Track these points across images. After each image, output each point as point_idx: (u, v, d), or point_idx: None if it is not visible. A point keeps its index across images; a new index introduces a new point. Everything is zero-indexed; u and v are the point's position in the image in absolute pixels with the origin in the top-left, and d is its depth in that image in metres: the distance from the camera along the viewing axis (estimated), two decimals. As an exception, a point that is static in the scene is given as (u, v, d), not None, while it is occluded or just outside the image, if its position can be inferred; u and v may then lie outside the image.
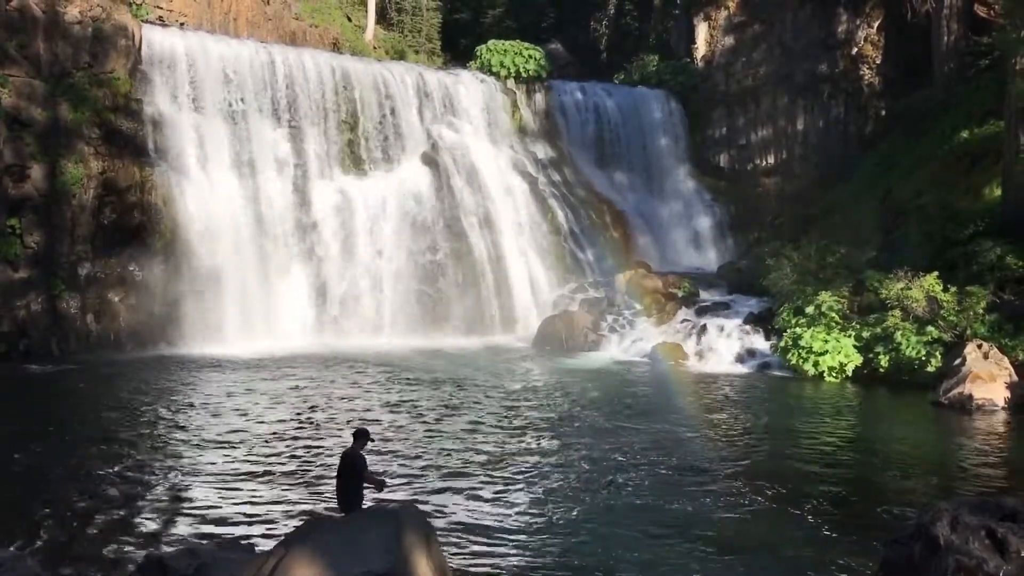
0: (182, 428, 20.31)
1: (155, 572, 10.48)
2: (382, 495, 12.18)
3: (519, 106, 45.74)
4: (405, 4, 62.73)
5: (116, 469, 16.89)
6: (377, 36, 58.49)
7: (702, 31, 50.22)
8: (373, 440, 11.20)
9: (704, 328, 32.72)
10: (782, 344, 29.55)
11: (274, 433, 19.86)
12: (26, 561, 10.19)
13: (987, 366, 24.04)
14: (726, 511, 15.07)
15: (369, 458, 10.98)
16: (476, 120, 43.36)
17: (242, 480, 16.29)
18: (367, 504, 11.20)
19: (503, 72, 45.77)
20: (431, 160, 40.31)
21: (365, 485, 10.98)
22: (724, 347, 31.67)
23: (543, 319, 36.06)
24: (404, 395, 24.66)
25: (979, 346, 24.66)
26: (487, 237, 39.19)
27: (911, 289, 27.26)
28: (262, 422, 20.90)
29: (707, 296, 37.06)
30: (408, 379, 27.11)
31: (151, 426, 20.46)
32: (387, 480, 12.37)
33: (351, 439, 11.22)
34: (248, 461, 17.54)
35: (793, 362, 28.79)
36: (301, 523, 12.63)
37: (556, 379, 27.83)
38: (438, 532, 11.56)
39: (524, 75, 46.11)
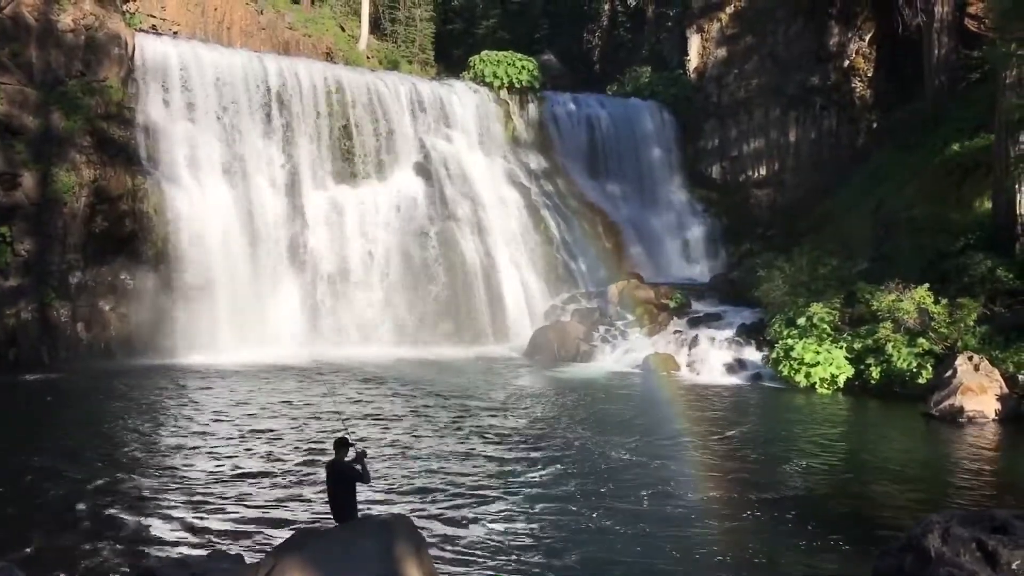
0: (172, 438, 20.23)
1: (144, 583, 10.43)
2: (373, 504, 12.11)
3: (512, 116, 45.81)
4: (399, 14, 62.88)
5: (106, 480, 16.81)
6: (370, 46, 58.59)
7: (695, 43, 50.43)
8: (354, 446, 11.11)
9: (696, 339, 32.74)
10: (774, 355, 29.58)
11: (264, 443, 19.79)
12: (15, 571, 10.13)
13: (978, 378, 24.09)
14: (717, 523, 15.05)
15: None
16: (469, 130, 43.43)
17: (233, 490, 16.22)
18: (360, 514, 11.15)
19: (496, 82, 45.87)
20: (424, 170, 40.34)
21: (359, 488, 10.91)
22: (716, 358, 31.68)
23: (535, 329, 36.05)
24: (394, 406, 24.60)
25: (970, 358, 24.70)
26: (480, 247, 39.20)
27: (902, 301, 27.31)
28: (253, 432, 20.82)
29: (699, 307, 37.12)
30: (399, 389, 27.06)
31: (141, 436, 20.38)
32: (371, 475, 11.85)
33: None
34: (239, 471, 17.47)
35: (785, 373, 28.82)
36: (292, 533, 12.58)
37: (548, 390, 27.81)
38: (428, 543, 11.52)
39: (517, 86, 46.20)
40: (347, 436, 11.22)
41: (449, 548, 13.55)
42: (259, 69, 37.23)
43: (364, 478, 10.80)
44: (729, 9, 49.12)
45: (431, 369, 31.16)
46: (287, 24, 52.90)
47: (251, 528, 14.26)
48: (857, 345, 27.98)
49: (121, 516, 14.78)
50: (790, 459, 19.60)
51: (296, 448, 19.40)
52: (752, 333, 32.09)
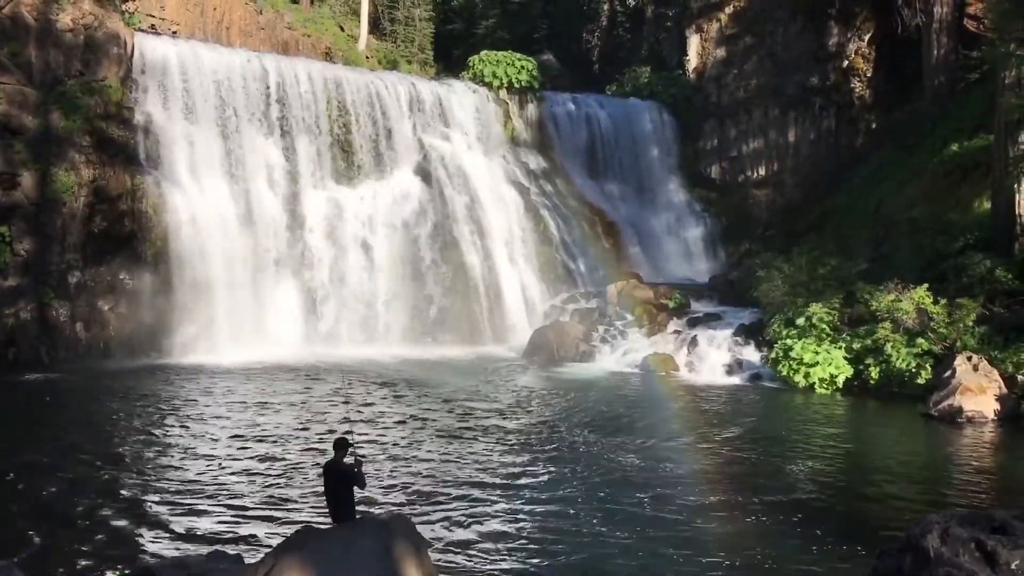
0: (171, 438, 20.22)
1: (144, 583, 10.42)
2: (372, 504, 12.10)
3: (511, 116, 45.78)
4: (398, 14, 62.88)
5: (105, 480, 16.82)
6: (370, 46, 58.59)
7: (694, 43, 50.43)
8: (353, 445, 11.12)
9: (695, 339, 32.73)
10: (773, 355, 29.58)
11: (264, 443, 19.79)
12: (14, 571, 10.12)
13: (977, 378, 24.12)
14: (716, 522, 15.07)
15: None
16: (468, 130, 43.39)
17: (231, 491, 16.22)
18: (358, 515, 11.15)
19: (495, 82, 45.85)
20: (423, 170, 40.31)
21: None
22: (715, 358, 31.68)
23: (534, 329, 36.02)
24: (394, 406, 24.60)
25: (969, 358, 24.72)
26: (479, 247, 39.18)
27: (901, 301, 27.33)
28: (252, 432, 20.82)
29: (698, 307, 37.12)
30: (398, 389, 27.06)
31: (140, 436, 20.37)
32: (366, 481, 11.93)
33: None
34: (238, 471, 17.47)
35: (784, 373, 28.82)
36: (291, 533, 12.57)
37: (547, 391, 27.80)
38: (428, 543, 11.52)
39: (516, 85, 46.18)
40: (347, 437, 11.23)
41: (449, 548, 13.56)
42: (258, 69, 37.19)
43: (359, 482, 10.81)
44: (728, 9, 49.11)
45: (430, 369, 31.15)
46: (286, 24, 52.91)
47: (250, 528, 14.26)
48: (856, 345, 27.99)
49: (120, 516, 14.78)
50: (789, 460, 19.61)
51: (295, 448, 19.40)
52: (751, 333, 32.08)
